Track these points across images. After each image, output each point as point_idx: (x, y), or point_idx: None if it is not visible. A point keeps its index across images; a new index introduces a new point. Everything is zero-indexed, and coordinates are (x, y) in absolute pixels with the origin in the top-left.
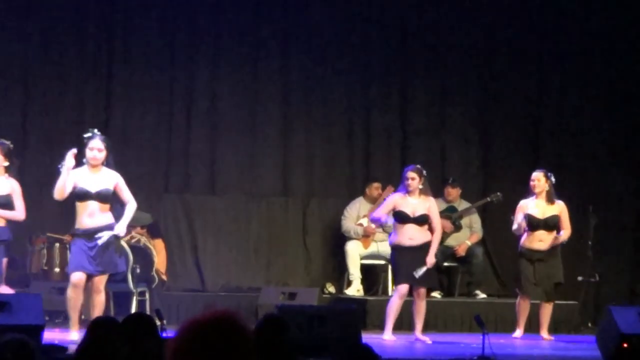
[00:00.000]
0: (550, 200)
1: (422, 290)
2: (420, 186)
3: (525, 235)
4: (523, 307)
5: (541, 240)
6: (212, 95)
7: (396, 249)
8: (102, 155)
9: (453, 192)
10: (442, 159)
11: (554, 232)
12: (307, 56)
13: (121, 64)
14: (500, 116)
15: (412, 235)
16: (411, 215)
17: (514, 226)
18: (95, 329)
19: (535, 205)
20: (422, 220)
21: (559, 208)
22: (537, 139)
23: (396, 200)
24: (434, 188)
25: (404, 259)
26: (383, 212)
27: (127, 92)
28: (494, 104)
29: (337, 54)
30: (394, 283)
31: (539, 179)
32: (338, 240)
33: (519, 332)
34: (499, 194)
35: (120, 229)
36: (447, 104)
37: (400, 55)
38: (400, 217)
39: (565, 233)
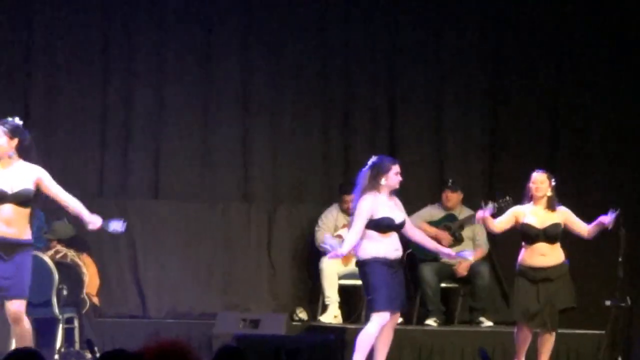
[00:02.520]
0: (551, 207)
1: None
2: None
3: (523, 251)
4: (523, 337)
5: (543, 255)
6: (157, 80)
7: (377, 263)
8: (3, 142)
9: (453, 197)
10: (439, 158)
11: (557, 245)
12: (274, 29)
13: (43, 39)
14: (511, 106)
15: (397, 246)
16: (396, 222)
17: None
18: None
19: (532, 213)
20: (403, 227)
21: (562, 215)
22: (556, 134)
23: (371, 204)
24: (430, 192)
25: (388, 276)
26: (358, 230)
27: (50, 74)
28: (503, 91)
29: (311, 31)
30: (369, 309)
31: (541, 182)
32: (311, 255)
33: None
34: (508, 198)
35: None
36: (444, 92)
37: (388, 33)
38: (385, 225)
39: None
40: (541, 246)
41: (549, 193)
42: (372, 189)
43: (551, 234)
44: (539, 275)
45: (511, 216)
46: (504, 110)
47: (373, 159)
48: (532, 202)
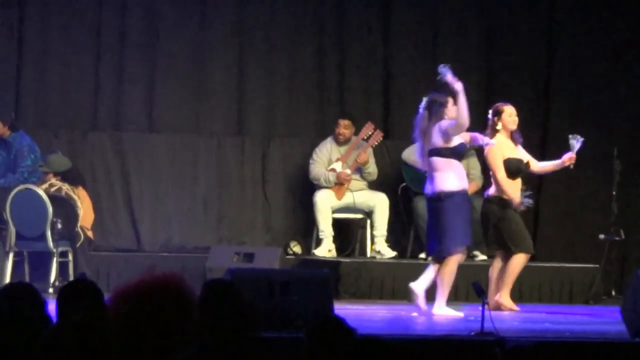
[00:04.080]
0: (515, 140)
1: None
2: None
3: (504, 183)
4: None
5: (519, 189)
6: (151, 12)
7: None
8: None
9: None
10: (433, 90)
11: None
12: None
13: None
14: (506, 38)
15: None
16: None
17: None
18: (5, 298)
19: (512, 147)
20: None
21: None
22: (550, 65)
23: None
24: None
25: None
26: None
27: (44, 3)
28: (498, 23)
29: None
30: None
31: (516, 114)
32: (305, 189)
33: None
34: None
35: None
36: (437, 25)
37: None
38: (461, 151)
39: None
40: (519, 180)
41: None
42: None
43: (528, 169)
44: (519, 209)
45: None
46: (499, 41)
47: (426, 99)
48: (497, 135)
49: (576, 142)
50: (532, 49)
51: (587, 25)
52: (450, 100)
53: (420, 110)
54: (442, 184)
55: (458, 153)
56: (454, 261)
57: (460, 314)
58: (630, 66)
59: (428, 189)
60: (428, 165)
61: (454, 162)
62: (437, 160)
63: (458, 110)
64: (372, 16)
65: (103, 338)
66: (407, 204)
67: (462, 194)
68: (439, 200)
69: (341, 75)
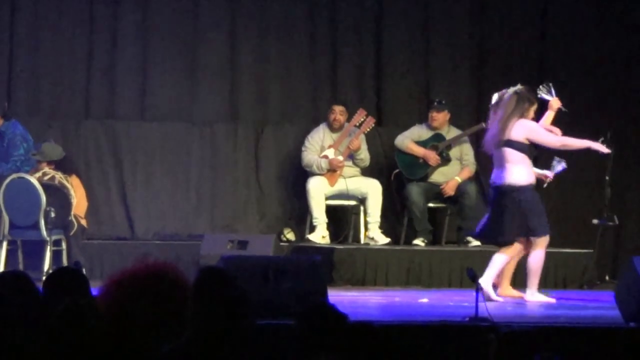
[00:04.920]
0: None
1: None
2: None
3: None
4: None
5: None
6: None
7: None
8: None
9: (439, 117)
10: (426, 77)
11: None
12: None
13: None
14: (498, 22)
15: None
16: None
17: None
18: None
19: None
20: None
21: None
22: (543, 50)
23: None
24: (417, 111)
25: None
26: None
27: None
28: (490, 7)
29: None
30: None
31: None
32: (298, 176)
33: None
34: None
35: None
36: (431, 8)
37: None
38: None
39: None
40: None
41: None
42: (519, 117)
43: None
44: None
45: None
46: (491, 25)
47: (519, 86)
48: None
49: (558, 165)
50: (524, 33)
51: (579, 8)
52: (535, 106)
53: (510, 92)
54: (512, 176)
55: (533, 151)
56: (543, 246)
57: (553, 300)
58: (624, 50)
59: (497, 178)
60: (500, 154)
61: (526, 158)
62: (511, 152)
63: (560, 141)
64: (365, 2)
65: (89, 325)
66: (401, 190)
67: (530, 188)
68: (511, 191)
69: (334, 62)
